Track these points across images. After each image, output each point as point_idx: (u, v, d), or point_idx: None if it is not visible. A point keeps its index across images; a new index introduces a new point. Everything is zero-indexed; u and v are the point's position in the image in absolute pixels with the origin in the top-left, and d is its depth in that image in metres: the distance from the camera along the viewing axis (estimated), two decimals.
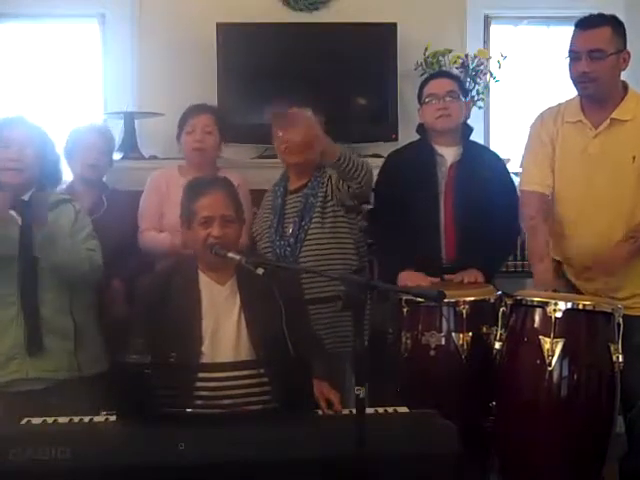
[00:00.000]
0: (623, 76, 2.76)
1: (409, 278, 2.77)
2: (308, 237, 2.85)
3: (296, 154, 2.88)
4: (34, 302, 2.59)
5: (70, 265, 2.62)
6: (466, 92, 3.16)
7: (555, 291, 2.62)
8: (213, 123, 3.12)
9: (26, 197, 2.62)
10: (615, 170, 2.69)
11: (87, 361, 2.68)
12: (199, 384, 1.98)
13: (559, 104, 2.86)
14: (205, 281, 2.37)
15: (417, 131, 3.09)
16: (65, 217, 2.70)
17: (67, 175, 3.16)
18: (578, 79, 2.67)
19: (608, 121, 2.69)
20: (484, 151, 3.15)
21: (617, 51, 2.65)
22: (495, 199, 2.86)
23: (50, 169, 2.74)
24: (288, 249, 2.86)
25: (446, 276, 2.81)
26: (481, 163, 2.95)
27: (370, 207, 3.08)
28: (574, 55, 2.67)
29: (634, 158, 2.67)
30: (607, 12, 2.71)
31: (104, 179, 3.27)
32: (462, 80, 3.22)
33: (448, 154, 2.96)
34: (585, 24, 2.67)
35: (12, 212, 2.59)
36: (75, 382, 2.63)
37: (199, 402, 1.98)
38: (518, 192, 2.90)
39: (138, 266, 3.00)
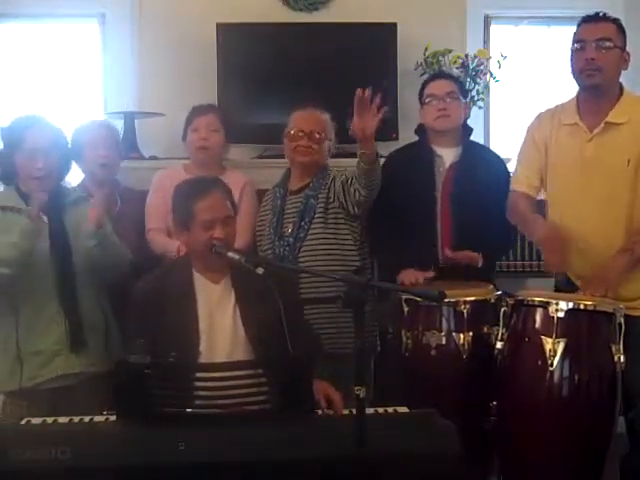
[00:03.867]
0: (622, 77, 2.76)
1: (407, 276, 2.77)
2: (309, 238, 2.84)
3: (308, 155, 2.89)
4: (74, 298, 2.61)
5: (117, 263, 2.65)
6: (466, 93, 3.16)
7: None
8: (218, 122, 3.12)
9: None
10: (610, 173, 2.67)
11: (114, 355, 2.68)
12: (198, 384, 1.98)
13: (556, 106, 2.85)
14: (200, 281, 2.36)
15: (415, 132, 3.09)
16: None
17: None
18: (584, 67, 2.66)
19: (603, 125, 2.68)
20: (485, 151, 3.15)
21: (622, 47, 2.67)
22: (493, 199, 2.86)
23: (66, 166, 2.77)
24: (287, 249, 2.85)
25: (448, 252, 2.81)
26: (480, 163, 2.95)
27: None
28: (581, 44, 2.67)
29: (629, 161, 2.66)
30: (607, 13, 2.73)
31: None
32: (462, 81, 3.22)
33: (447, 155, 2.96)
34: (593, 17, 2.70)
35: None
36: (106, 376, 2.59)
37: (198, 402, 1.98)
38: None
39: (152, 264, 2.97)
